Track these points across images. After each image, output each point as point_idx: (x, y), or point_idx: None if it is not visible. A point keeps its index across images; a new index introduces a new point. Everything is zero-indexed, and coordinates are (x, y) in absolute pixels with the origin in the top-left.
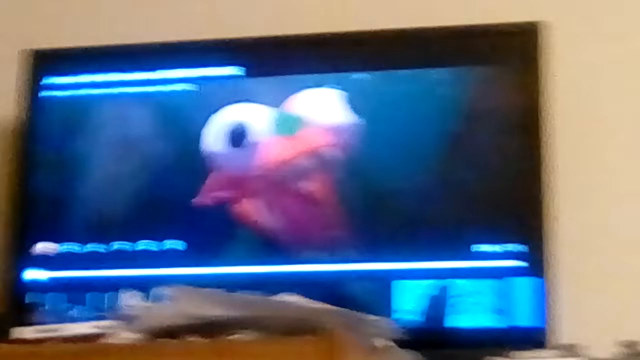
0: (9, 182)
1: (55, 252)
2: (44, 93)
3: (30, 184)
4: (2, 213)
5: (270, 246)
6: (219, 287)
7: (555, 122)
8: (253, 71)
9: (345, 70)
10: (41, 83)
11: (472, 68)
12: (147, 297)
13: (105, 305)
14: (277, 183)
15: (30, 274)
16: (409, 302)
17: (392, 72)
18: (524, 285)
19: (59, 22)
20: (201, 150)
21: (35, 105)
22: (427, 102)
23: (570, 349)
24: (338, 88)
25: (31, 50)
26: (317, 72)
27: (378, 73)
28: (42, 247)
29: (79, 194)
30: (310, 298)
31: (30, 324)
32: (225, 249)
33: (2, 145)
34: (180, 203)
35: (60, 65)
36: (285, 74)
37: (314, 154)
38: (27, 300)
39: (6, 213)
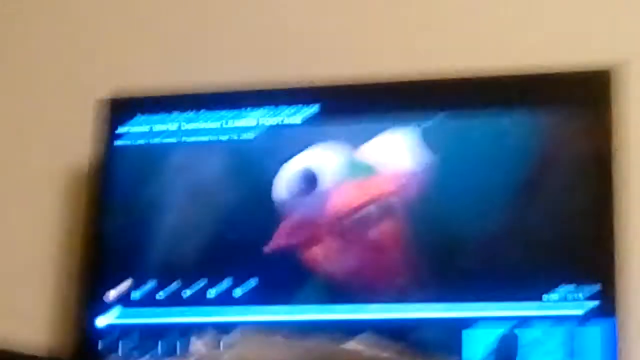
0: (84, 228)
1: (127, 297)
2: (118, 141)
3: (103, 230)
4: (77, 258)
5: (338, 292)
6: (287, 333)
7: (628, 165)
8: (326, 116)
9: (419, 114)
10: (116, 131)
11: (546, 112)
12: (218, 343)
13: (173, 352)
14: (348, 229)
15: (103, 320)
16: (479, 350)
17: (466, 115)
18: (596, 330)
19: (133, 71)
20: (272, 197)
21: (109, 152)
22: (499, 146)
23: None
24: (410, 132)
25: (107, 98)
26: (390, 116)
27: (452, 116)
28: (114, 293)
29: (151, 241)
30: (379, 345)
31: None
32: (296, 295)
33: (78, 192)
34: (251, 250)
35: (134, 114)
36: (359, 118)
37: (385, 199)
38: (99, 347)
39: (80, 258)
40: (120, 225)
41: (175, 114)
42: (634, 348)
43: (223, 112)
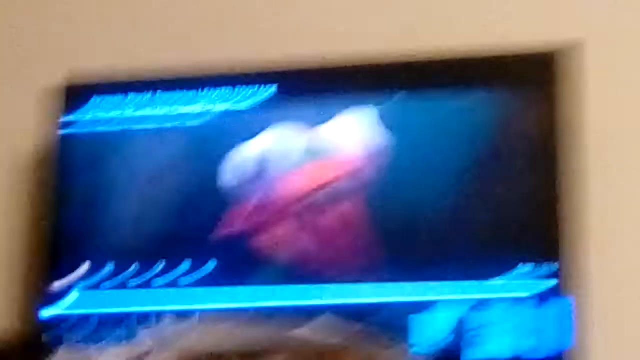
0: (32, 217)
1: (80, 284)
2: (68, 129)
3: (52, 218)
4: (29, 245)
5: (304, 270)
6: (254, 312)
7: (587, 143)
8: (282, 98)
9: (376, 96)
10: (66, 119)
11: (501, 93)
12: (173, 329)
13: (131, 338)
14: (304, 212)
15: (56, 308)
16: (438, 331)
17: (423, 96)
18: (553, 308)
19: (83, 57)
20: (222, 183)
21: (59, 140)
22: (455, 127)
23: None
24: (367, 113)
25: (50, 88)
26: (349, 96)
27: (409, 97)
28: (67, 281)
29: (104, 228)
30: (336, 328)
31: (67, 351)
32: (251, 279)
33: (27, 181)
34: (203, 236)
35: (84, 101)
36: (316, 100)
37: (342, 181)
38: (54, 334)
39: (32, 246)
40: (72, 213)
41: (126, 100)
42: (590, 327)
43: (177, 96)
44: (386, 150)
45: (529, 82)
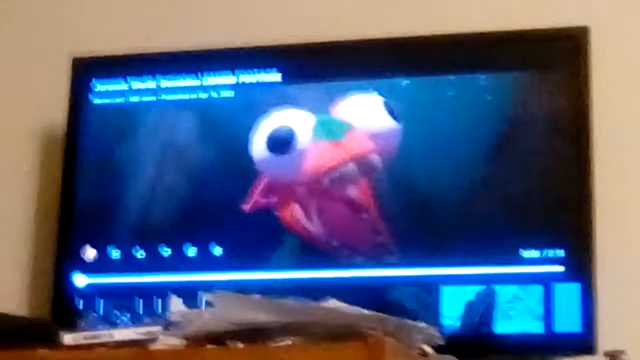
0: (58, 188)
1: (106, 257)
2: (92, 100)
3: (78, 189)
4: (51, 218)
5: (314, 252)
6: (263, 292)
7: (601, 127)
8: (295, 77)
9: (390, 76)
10: (90, 90)
11: (517, 73)
12: (193, 303)
13: (152, 311)
14: (322, 189)
15: (78, 280)
16: (452, 308)
17: (437, 77)
18: (567, 291)
19: (106, 29)
20: (247, 156)
21: (83, 111)
22: (471, 107)
23: (615, 355)
24: (382, 94)
25: (80, 57)
26: (360, 78)
27: (422, 78)
28: (89, 253)
29: (127, 200)
30: (354, 304)
31: (77, 329)
32: (270, 254)
33: (50, 151)
34: (226, 209)
35: (108, 72)
36: (329, 79)
37: (359, 160)
38: (74, 306)
39: (55, 218)
40: (98, 184)
41: (148, 73)
42: (600, 311)
43: (196, 70)
44: (402, 129)
45: (544, 62)
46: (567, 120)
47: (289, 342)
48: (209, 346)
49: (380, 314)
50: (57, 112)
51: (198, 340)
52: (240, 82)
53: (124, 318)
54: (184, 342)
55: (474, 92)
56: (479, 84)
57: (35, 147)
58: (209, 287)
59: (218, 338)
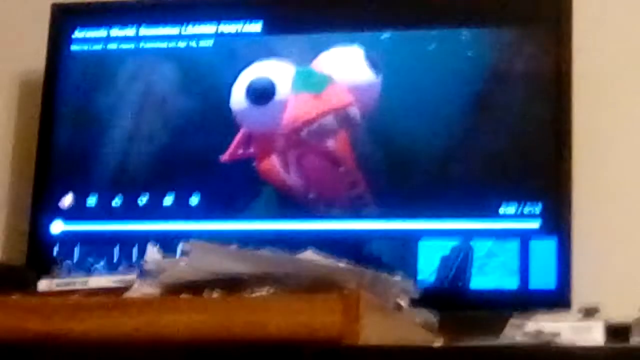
0: (36, 136)
1: (82, 204)
2: (71, 47)
3: (56, 136)
4: (29, 165)
5: (292, 203)
6: (240, 243)
7: (581, 84)
8: (277, 28)
9: (372, 29)
10: (69, 37)
11: (498, 29)
12: (170, 252)
13: (128, 260)
14: (300, 141)
15: (54, 226)
16: (428, 262)
17: (418, 31)
18: (543, 247)
19: None
20: (226, 106)
21: (62, 58)
22: (452, 63)
23: (590, 311)
24: (363, 46)
25: (60, 3)
26: (342, 30)
27: (404, 32)
28: (66, 200)
29: (105, 148)
30: (331, 256)
31: (52, 276)
32: (249, 205)
33: (29, 99)
34: (204, 158)
35: (88, 20)
36: (311, 31)
37: (339, 112)
38: (50, 253)
39: (33, 166)
40: (76, 131)
41: (128, 21)
42: (575, 265)
43: (176, 20)
44: (382, 82)
45: (524, 17)
46: (548, 77)
47: (264, 293)
48: (183, 295)
49: (357, 267)
50: (37, 59)
51: (174, 290)
52: (221, 32)
53: (99, 266)
54: (159, 290)
55: (456, 47)
56: (461, 39)
57: (14, 94)
58: (185, 236)
59: (194, 288)
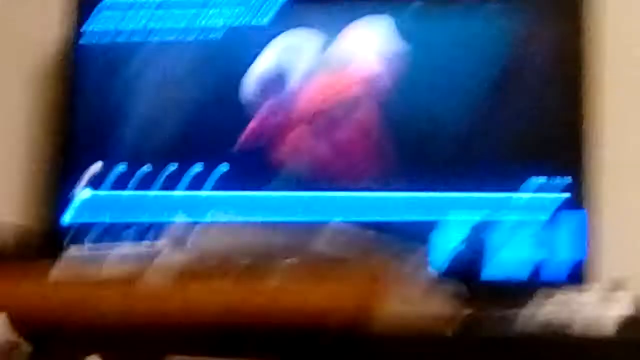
0: (54, 119)
1: (99, 182)
2: (85, 38)
3: (75, 120)
4: (49, 143)
5: (311, 183)
6: (268, 213)
7: (607, 56)
8: (298, 6)
9: (393, 4)
10: (83, 28)
11: (526, 3)
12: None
13: (150, 234)
14: (328, 113)
15: (83, 193)
16: (455, 233)
17: (446, 3)
18: (571, 219)
19: None
20: (241, 96)
21: (79, 47)
22: (480, 35)
23: (615, 284)
24: (384, 22)
25: None
26: (364, 5)
27: (431, 4)
28: (87, 177)
29: (131, 118)
30: (357, 226)
31: (81, 243)
32: (276, 176)
33: (47, 84)
34: (222, 144)
35: (102, 10)
36: (332, 6)
37: (365, 83)
38: (71, 231)
39: (52, 144)
40: (92, 115)
41: (142, 11)
42: (603, 239)
43: (195, 9)
44: (402, 60)
45: None
46: (577, 50)
47: (291, 262)
48: (212, 264)
49: (382, 237)
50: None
51: (202, 257)
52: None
53: (129, 234)
54: (187, 257)
55: (485, 19)
56: (490, 12)
57: (29, 79)
58: (202, 214)
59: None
